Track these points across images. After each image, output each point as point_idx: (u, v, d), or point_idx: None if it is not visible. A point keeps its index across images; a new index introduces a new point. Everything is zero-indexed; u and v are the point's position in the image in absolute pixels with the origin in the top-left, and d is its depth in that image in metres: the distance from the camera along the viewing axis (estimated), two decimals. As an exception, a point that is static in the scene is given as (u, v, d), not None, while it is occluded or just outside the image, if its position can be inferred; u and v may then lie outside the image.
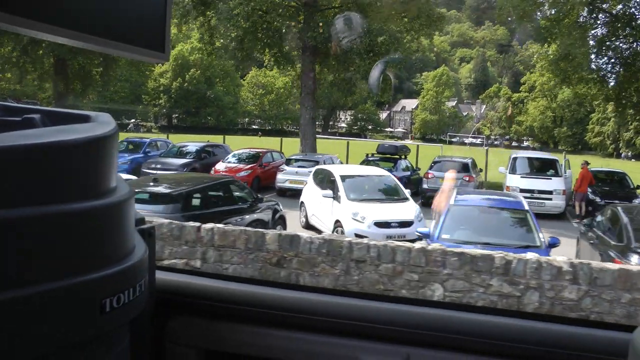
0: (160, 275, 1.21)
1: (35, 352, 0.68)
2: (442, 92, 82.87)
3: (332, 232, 11.46)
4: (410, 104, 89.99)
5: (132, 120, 63.35)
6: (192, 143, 21.86)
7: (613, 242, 8.16)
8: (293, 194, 16.49)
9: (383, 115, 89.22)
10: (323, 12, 21.88)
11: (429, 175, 17.55)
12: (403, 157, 19.98)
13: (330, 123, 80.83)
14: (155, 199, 8.19)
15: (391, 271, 5.95)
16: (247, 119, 78.33)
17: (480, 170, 20.59)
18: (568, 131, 72.37)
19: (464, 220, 8.09)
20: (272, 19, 21.19)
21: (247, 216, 9.42)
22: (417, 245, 6.01)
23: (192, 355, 1.22)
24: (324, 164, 16.94)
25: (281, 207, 10.96)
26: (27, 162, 0.68)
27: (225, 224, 7.34)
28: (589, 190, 16.44)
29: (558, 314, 5.10)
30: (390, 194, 12.43)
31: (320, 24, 20.90)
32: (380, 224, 10.89)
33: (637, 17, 19.64)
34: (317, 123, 27.71)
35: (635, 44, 19.91)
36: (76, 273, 0.72)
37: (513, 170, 17.21)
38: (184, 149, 20.81)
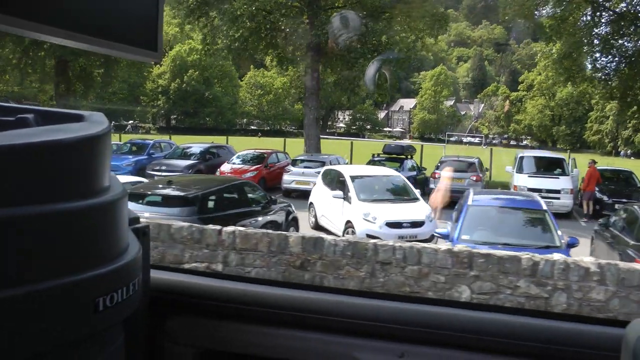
0: (157, 274, 1.22)
1: (32, 350, 0.68)
2: (440, 92, 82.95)
3: (343, 232, 11.41)
4: (408, 103, 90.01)
5: (130, 122, 63.24)
6: (196, 144, 21.76)
7: (632, 242, 8.12)
8: (298, 195, 16.44)
9: (381, 114, 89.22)
10: (327, 12, 21.80)
11: (437, 175, 17.51)
12: (409, 157, 19.95)
13: (329, 123, 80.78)
14: (170, 201, 8.11)
15: (417, 273, 5.89)
16: (245, 120, 78.21)
17: (487, 169, 20.57)
18: (566, 130, 72.47)
19: (482, 220, 8.03)
20: (275, 19, 21.11)
21: (260, 218, 9.35)
22: (444, 246, 5.95)
23: (190, 354, 1.22)
24: (330, 164, 16.89)
25: (293, 208, 10.89)
26: (20, 162, 0.68)
27: (239, 226, 7.26)
28: (596, 189, 16.42)
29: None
30: (401, 194, 12.39)
31: (324, 24, 20.82)
32: (391, 225, 10.84)
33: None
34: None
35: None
36: (69, 272, 0.72)
37: (520, 170, 17.17)
38: (188, 150, 20.72)
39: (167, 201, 8.10)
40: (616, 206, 15.61)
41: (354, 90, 24.43)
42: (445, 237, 7.90)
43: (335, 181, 12.80)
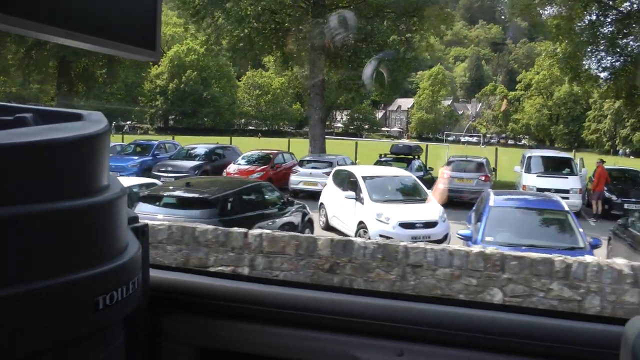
0: (156, 273, 1.22)
1: (32, 348, 0.69)
2: (438, 91, 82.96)
3: (356, 233, 11.34)
4: (406, 103, 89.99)
5: (128, 122, 62.99)
6: (201, 145, 21.65)
7: (654, 242, 8.10)
8: (304, 196, 16.38)
9: (379, 114, 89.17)
10: (332, 12, 21.72)
11: (445, 175, 17.48)
12: (416, 157, 19.91)
13: (327, 123, 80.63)
14: (190, 203, 8.03)
15: (449, 276, 5.82)
16: (243, 120, 78.04)
17: (494, 169, 20.55)
18: (564, 129, 72.58)
19: (505, 222, 7.98)
20: (281, 19, 21.04)
21: (277, 220, 9.27)
22: (476, 248, 5.89)
23: (188, 352, 1.23)
24: (337, 165, 16.83)
25: (308, 209, 10.82)
26: (18, 160, 0.68)
27: (257, 227, 7.18)
28: (605, 188, 16.42)
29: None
30: (413, 194, 12.34)
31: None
32: (405, 225, 10.78)
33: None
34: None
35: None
36: (69, 271, 0.72)
37: (528, 170, 17.15)
38: (193, 151, 20.62)
39: (187, 203, 8.01)
40: (625, 206, 15.63)
41: (359, 90, 24.39)
42: (468, 238, 7.84)
43: (346, 182, 12.75)
